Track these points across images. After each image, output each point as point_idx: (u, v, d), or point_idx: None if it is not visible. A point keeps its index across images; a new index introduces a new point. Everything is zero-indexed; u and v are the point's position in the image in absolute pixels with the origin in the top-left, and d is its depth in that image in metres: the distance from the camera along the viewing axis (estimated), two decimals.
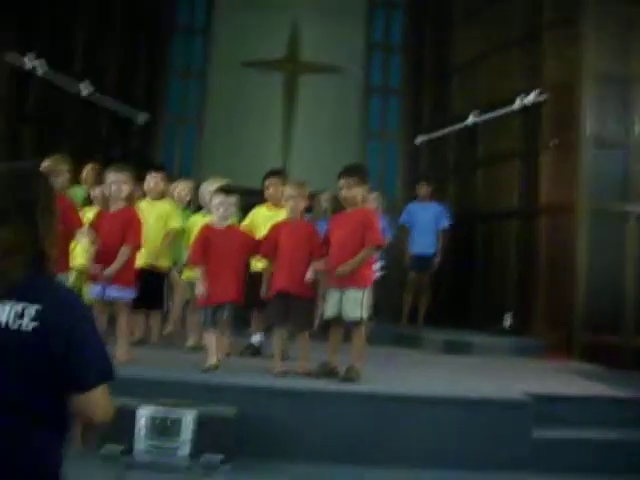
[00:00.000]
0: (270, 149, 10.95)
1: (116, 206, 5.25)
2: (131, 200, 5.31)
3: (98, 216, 5.33)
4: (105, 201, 5.37)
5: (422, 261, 8.54)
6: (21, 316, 1.87)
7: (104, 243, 5.15)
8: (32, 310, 1.88)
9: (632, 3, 7.79)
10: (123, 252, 5.12)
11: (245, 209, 6.19)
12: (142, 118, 10.15)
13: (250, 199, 6.83)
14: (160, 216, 6.25)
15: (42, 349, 1.87)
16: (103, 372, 1.96)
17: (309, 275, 5.04)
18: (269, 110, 11.03)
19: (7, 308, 1.87)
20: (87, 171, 7.00)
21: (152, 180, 6.36)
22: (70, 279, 5.21)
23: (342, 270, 4.91)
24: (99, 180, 6.15)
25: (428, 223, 8.56)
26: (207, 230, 5.26)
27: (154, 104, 10.65)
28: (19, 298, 1.89)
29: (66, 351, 1.88)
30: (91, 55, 9.05)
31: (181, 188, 6.80)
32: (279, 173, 6.20)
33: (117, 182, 5.19)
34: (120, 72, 9.75)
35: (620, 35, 7.81)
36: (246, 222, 6.04)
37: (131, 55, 10.06)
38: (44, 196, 2.04)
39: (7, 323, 1.86)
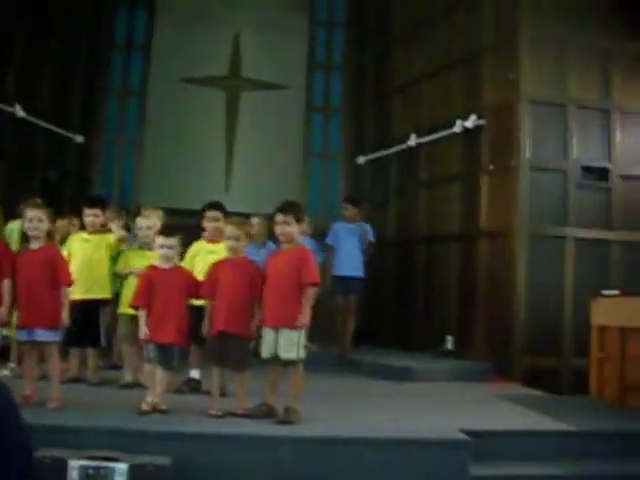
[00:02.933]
0: (212, 168, 10.85)
1: (37, 243, 5.10)
2: (51, 237, 5.19)
3: (17, 255, 5.17)
4: (24, 238, 5.21)
5: (347, 283, 8.36)
6: None
7: (26, 282, 5.00)
8: None
9: (566, 25, 7.88)
10: (63, 294, 5.07)
11: (187, 229, 6.09)
12: (79, 138, 9.94)
13: (191, 220, 6.74)
14: (97, 247, 6.17)
15: None
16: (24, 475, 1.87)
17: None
18: (210, 129, 10.92)
19: None
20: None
21: (90, 215, 6.23)
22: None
23: (301, 322, 4.90)
24: None
25: (353, 244, 8.42)
26: (151, 271, 5.21)
27: (92, 124, 10.43)
28: None
29: None
30: (24, 76, 8.80)
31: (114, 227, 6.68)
32: (218, 206, 6.10)
33: (35, 219, 5.04)
34: (55, 92, 9.50)
35: (556, 58, 7.91)
36: (187, 259, 5.93)
37: (67, 74, 9.82)
38: None
39: None
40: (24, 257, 5.09)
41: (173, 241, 5.18)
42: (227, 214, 6.00)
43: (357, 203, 8.80)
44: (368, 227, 8.61)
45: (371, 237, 8.54)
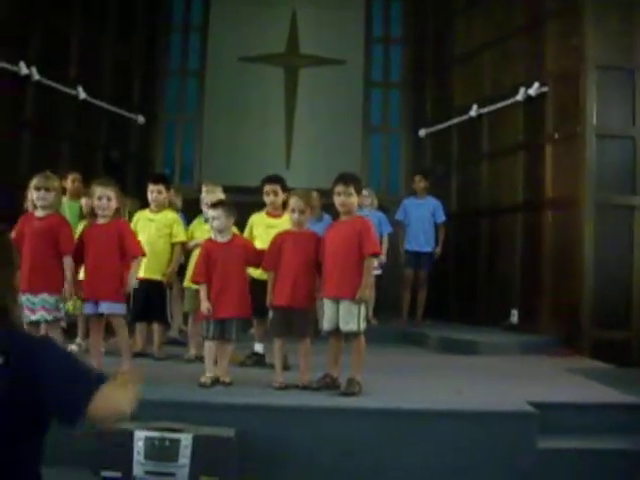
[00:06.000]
0: (272, 145, 10.85)
1: (104, 219, 5.19)
2: (118, 214, 5.27)
3: (85, 230, 5.26)
4: (91, 214, 5.31)
5: (417, 258, 8.44)
6: None
7: (94, 256, 5.09)
8: None
9: None
10: (136, 264, 5.25)
11: (248, 207, 6.12)
12: (141, 119, 10.07)
13: (253, 198, 6.76)
14: (162, 228, 6.23)
15: (11, 405, 1.85)
16: (89, 389, 1.89)
17: None
18: (269, 106, 10.91)
19: None
20: (73, 183, 6.95)
21: (155, 190, 6.29)
22: (65, 299, 5.14)
23: (362, 295, 4.85)
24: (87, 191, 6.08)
25: (424, 219, 8.47)
26: (209, 246, 5.24)
27: (152, 105, 10.53)
28: None
29: (42, 397, 1.86)
30: (86, 59, 8.95)
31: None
32: (278, 179, 6.07)
33: (104, 197, 5.13)
34: (116, 74, 9.64)
35: (623, 24, 7.64)
36: (246, 232, 5.96)
37: (127, 56, 9.93)
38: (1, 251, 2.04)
39: None
40: (92, 232, 5.20)
41: (221, 211, 5.17)
42: (286, 188, 5.96)
43: (428, 176, 8.78)
44: (439, 204, 8.58)
45: (442, 216, 8.51)
